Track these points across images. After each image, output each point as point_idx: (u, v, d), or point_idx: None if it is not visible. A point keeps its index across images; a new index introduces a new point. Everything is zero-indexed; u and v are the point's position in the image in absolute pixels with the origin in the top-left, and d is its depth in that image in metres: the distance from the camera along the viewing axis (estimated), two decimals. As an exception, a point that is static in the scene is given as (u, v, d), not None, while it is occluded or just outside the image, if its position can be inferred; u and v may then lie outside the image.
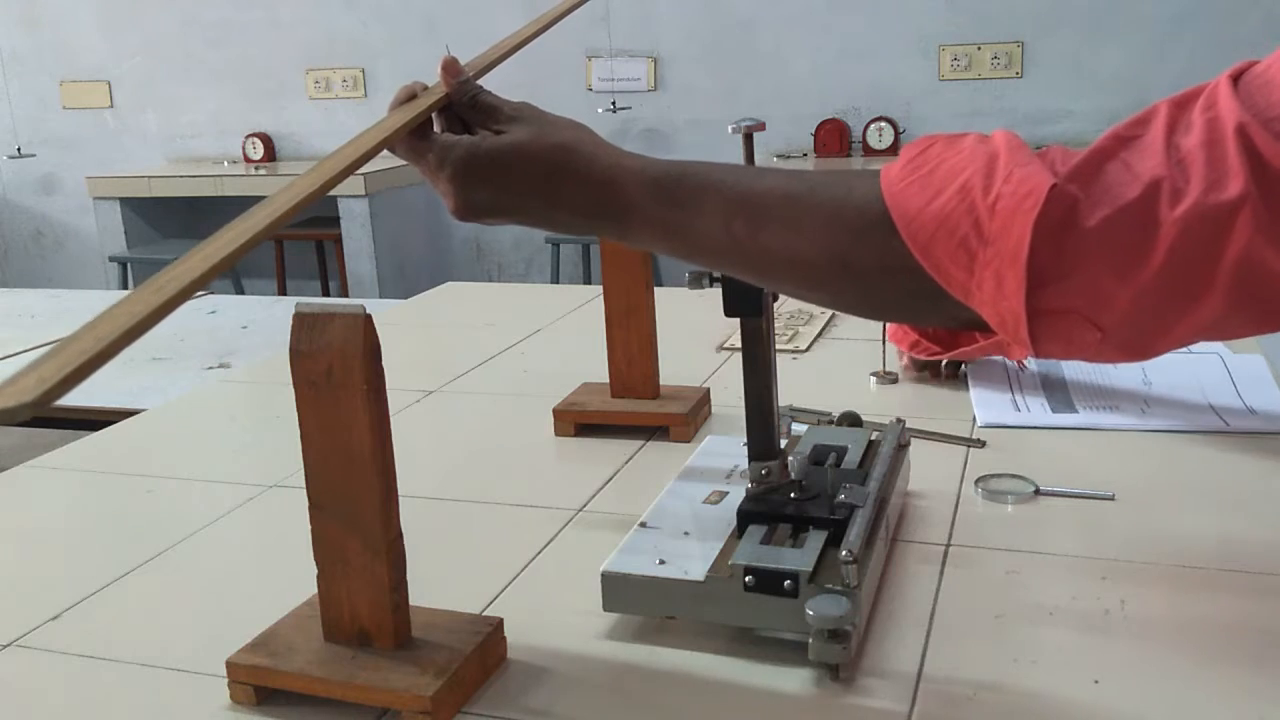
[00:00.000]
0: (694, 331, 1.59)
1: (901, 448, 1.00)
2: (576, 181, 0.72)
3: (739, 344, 0.91)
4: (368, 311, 0.73)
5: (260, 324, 2.29)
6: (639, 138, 4.74)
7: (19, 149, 5.41)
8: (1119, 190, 0.56)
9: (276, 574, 0.95)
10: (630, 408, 1.26)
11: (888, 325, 1.32)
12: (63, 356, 0.45)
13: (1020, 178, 0.57)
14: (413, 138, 0.75)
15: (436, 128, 0.76)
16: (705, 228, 0.69)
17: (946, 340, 0.69)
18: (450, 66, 0.76)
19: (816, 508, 0.85)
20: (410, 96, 0.76)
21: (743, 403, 0.90)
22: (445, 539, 1.02)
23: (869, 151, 4.46)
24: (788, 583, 0.77)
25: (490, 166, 0.73)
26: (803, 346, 1.54)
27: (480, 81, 0.79)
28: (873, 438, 0.99)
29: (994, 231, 0.58)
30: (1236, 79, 0.56)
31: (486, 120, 0.75)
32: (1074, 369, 1.33)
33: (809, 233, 0.65)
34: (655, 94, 4.70)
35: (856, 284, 0.65)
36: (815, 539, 0.81)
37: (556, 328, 1.76)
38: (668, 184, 0.70)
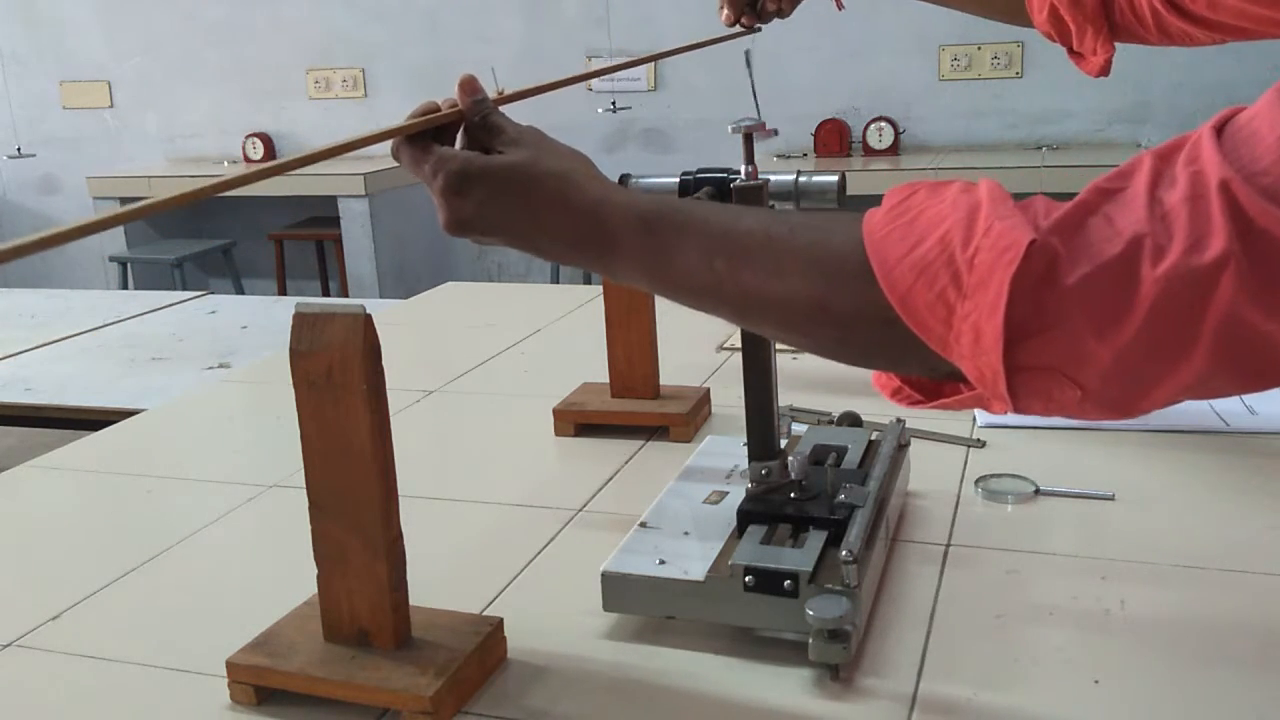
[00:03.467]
0: (694, 331, 1.59)
1: (901, 448, 1.00)
2: (563, 210, 0.72)
3: (739, 344, 0.91)
4: (368, 311, 0.73)
5: (260, 324, 2.29)
6: (639, 138, 4.74)
7: (19, 149, 5.40)
8: (1100, 246, 0.54)
9: (276, 574, 0.95)
10: (630, 408, 1.26)
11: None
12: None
13: (1000, 231, 0.56)
14: (415, 147, 0.75)
15: (457, 144, 0.77)
16: (687, 265, 0.68)
17: (929, 389, 0.68)
18: (467, 84, 0.77)
19: (816, 508, 0.85)
20: (430, 111, 0.77)
21: (743, 403, 0.90)
22: (445, 539, 1.02)
23: (869, 151, 4.46)
24: (788, 583, 0.77)
25: (480, 184, 0.73)
26: (803, 346, 1.54)
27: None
28: (873, 438, 0.99)
29: (972, 285, 0.57)
30: (1220, 129, 0.55)
31: (492, 140, 0.75)
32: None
33: (788, 276, 0.64)
34: (655, 94, 4.70)
35: (835, 331, 0.64)
36: (815, 539, 0.82)
37: (556, 328, 1.76)
38: (652, 219, 0.70)
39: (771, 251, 0.65)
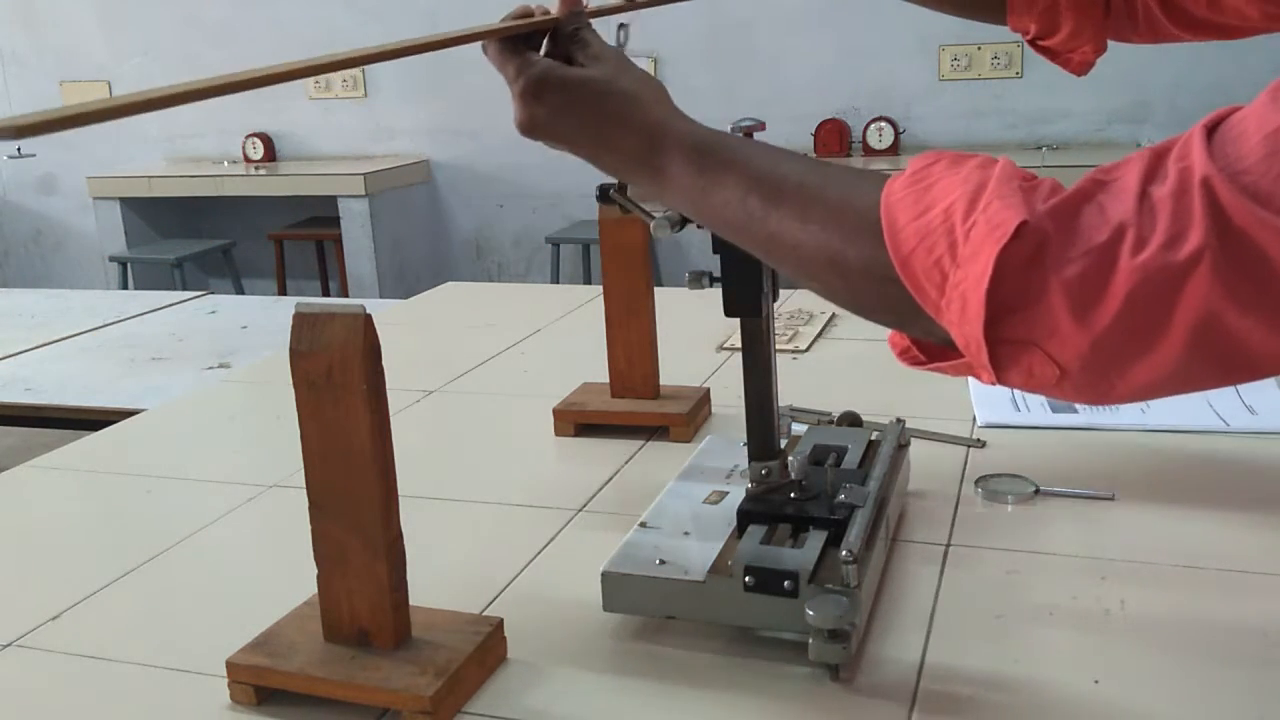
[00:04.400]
0: (694, 331, 1.59)
1: (901, 448, 1.00)
2: (626, 129, 0.76)
3: (739, 344, 0.91)
4: (368, 311, 0.74)
5: (260, 324, 2.29)
6: (639, 138, 4.73)
7: (19, 149, 5.39)
8: (1089, 233, 0.56)
9: (276, 574, 0.95)
10: (630, 408, 1.26)
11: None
12: (54, 110, 0.49)
13: (997, 208, 0.59)
14: (505, 48, 0.79)
15: (543, 51, 0.81)
16: (724, 199, 0.72)
17: (931, 351, 0.70)
18: None
19: (816, 508, 0.85)
20: (525, 14, 0.81)
21: (743, 403, 0.90)
22: (445, 539, 1.02)
23: (869, 151, 4.46)
24: (788, 583, 0.77)
25: (557, 91, 0.77)
26: (803, 346, 1.54)
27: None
28: (873, 438, 0.99)
29: (965, 256, 0.59)
30: (1213, 128, 0.57)
31: (576, 52, 0.79)
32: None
33: (812, 225, 0.67)
34: (655, 94, 4.70)
35: (845, 283, 0.67)
36: (815, 539, 0.81)
37: (556, 328, 1.76)
38: (702, 151, 0.73)
39: (802, 199, 0.68)
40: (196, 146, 5.42)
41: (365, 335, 0.73)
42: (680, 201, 0.76)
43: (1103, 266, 0.55)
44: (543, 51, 0.80)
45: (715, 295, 0.89)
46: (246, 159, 5.27)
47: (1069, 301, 0.56)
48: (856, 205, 0.66)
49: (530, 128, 0.78)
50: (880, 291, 0.64)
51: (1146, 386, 0.59)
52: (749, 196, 0.70)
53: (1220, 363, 0.56)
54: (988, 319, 0.58)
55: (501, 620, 0.81)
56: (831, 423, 1.08)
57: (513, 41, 0.79)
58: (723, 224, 0.73)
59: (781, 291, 0.91)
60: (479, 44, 0.79)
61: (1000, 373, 0.60)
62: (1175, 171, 0.55)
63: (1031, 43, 1.11)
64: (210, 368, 1.99)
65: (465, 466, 1.22)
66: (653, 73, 4.64)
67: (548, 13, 0.81)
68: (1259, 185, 0.53)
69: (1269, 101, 0.55)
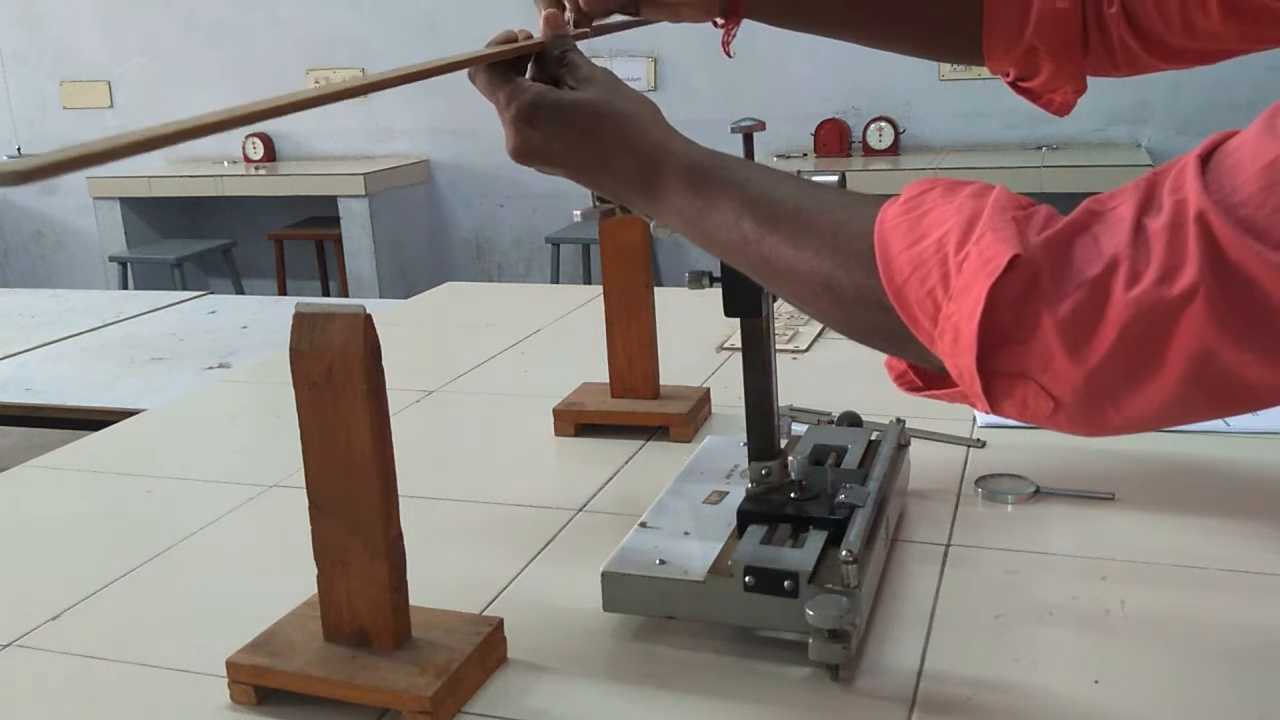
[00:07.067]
0: (694, 331, 1.59)
1: (901, 448, 1.00)
2: (623, 152, 0.76)
3: (739, 344, 0.91)
4: (368, 311, 0.74)
5: (260, 324, 2.29)
6: (639, 138, 4.74)
7: (19, 149, 5.40)
8: (1082, 265, 0.56)
9: (276, 574, 0.95)
10: (630, 408, 1.26)
11: None
12: (61, 152, 0.49)
13: (989, 241, 0.58)
14: (494, 74, 0.79)
15: (528, 75, 0.80)
16: (719, 221, 0.72)
17: (928, 378, 0.70)
18: (552, 19, 0.81)
19: (816, 508, 0.85)
20: (509, 40, 0.80)
21: (743, 403, 0.90)
22: (445, 539, 1.02)
23: (869, 151, 4.46)
24: (788, 583, 0.77)
25: (550, 116, 0.76)
26: (803, 346, 1.54)
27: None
28: (873, 438, 0.99)
29: (958, 288, 0.59)
30: (1208, 157, 0.56)
31: (566, 75, 0.79)
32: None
33: (805, 249, 0.67)
34: (655, 94, 4.70)
35: (838, 309, 0.67)
36: (815, 539, 0.82)
37: (556, 328, 1.76)
38: (699, 173, 0.73)
39: (797, 223, 0.68)
40: (196, 146, 5.41)
41: (365, 335, 0.73)
42: (677, 223, 0.76)
43: (1096, 300, 0.55)
44: (529, 76, 0.80)
45: (715, 295, 0.89)
46: (246, 159, 5.27)
47: (1062, 335, 0.56)
48: (850, 231, 0.65)
49: (525, 153, 0.78)
50: (873, 318, 0.64)
51: (1143, 419, 0.58)
52: (744, 220, 0.70)
53: (1217, 396, 0.56)
54: (980, 351, 0.58)
55: (501, 620, 0.81)
56: (831, 423, 1.08)
57: (500, 67, 0.79)
58: (718, 246, 0.73)
59: (781, 291, 0.91)
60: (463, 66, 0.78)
61: (994, 404, 0.60)
62: (1170, 204, 0.55)
63: (1012, 84, 1.11)
64: (210, 368, 1.99)
65: (465, 466, 1.22)
66: (652, 72, 4.64)
67: (531, 37, 0.80)
68: (1255, 218, 0.52)
69: (1264, 131, 0.54)
